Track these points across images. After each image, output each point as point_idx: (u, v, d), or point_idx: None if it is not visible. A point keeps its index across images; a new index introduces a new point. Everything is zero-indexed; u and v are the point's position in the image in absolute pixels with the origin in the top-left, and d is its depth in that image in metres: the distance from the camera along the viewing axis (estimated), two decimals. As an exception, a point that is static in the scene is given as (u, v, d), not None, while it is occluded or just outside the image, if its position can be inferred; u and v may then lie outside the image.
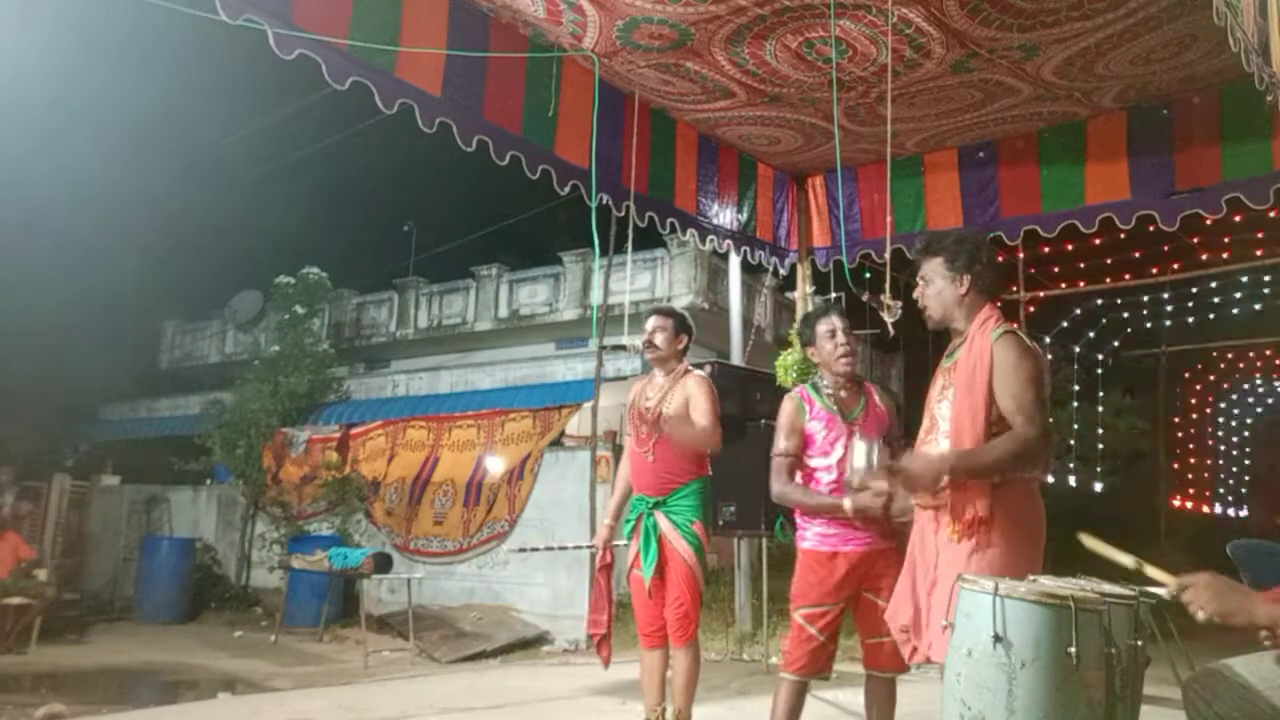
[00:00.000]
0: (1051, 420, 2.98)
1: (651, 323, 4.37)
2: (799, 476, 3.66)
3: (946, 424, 3.01)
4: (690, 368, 4.43)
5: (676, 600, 4.11)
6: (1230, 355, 18.15)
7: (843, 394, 3.69)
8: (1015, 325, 3.01)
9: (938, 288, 3.07)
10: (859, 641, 3.68)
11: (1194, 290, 14.04)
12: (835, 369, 3.69)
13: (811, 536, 3.61)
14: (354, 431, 12.53)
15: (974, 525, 2.84)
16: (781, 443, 3.68)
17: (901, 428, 3.81)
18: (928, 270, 3.10)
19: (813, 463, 3.65)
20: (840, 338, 3.68)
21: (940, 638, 2.64)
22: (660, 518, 4.17)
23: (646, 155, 5.77)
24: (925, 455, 2.82)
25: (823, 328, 3.72)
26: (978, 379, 2.89)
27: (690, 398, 4.22)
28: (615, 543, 4.57)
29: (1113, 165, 5.90)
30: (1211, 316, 15.56)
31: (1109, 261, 13.03)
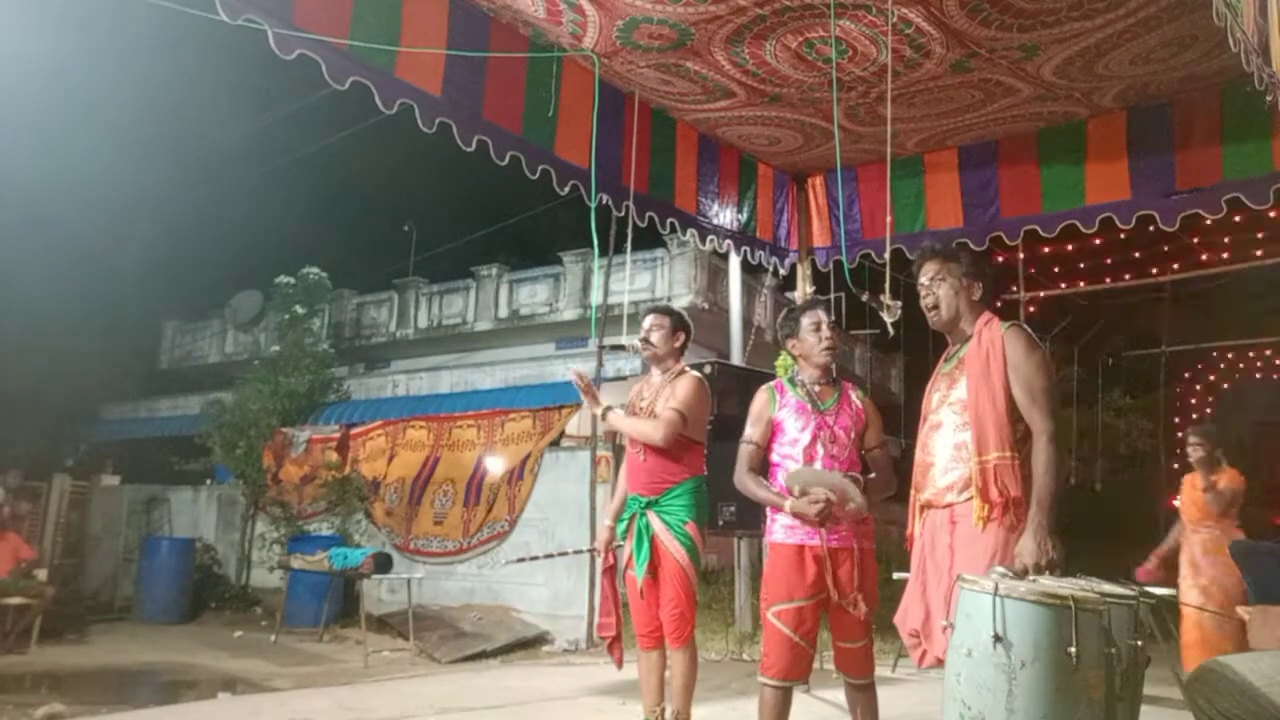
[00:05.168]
0: None
1: (648, 321, 4.36)
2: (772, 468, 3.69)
3: (956, 417, 3.05)
4: (686, 368, 4.42)
5: (671, 601, 4.08)
6: (1230, 355, 18.12)
7: (817, 388, 3.71)
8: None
9: (954, 287, 3.19)
10: (832, 644, 3.63)
11: (1194, 290, 14.04)
12: (816, 360, 3.71)
13: (778, 530, 3.58)
14: (354, 431, 12.52)
15: (1008, 507, 2.87)
16: (747, 431, 3.73)
17: (882, 431, 3.81)
18: (942, 271, 3.21)
19: (781, 452, 3.64)
20: (825, 330, 3.71)
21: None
22: (652, 518, 4.14)
23: (646, 155, 5.77)
24: (1026, 544, 2.80)
25: (808, 320, 3.74)
26: (993, 366, 2.98)
27: (673, 393, 4.20)
28: (615, 544, 4.56)
29: (1113, 165, 5.89)
30: (1211, 316, 15.56)
31: (1109, 261, 13.03)
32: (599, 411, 4.28)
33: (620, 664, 4.55)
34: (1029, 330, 3.07)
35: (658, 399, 4.24)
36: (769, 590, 3.56)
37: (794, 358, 3.82)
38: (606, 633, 4.52)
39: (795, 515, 3.48)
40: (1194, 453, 6.04)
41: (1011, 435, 2.93)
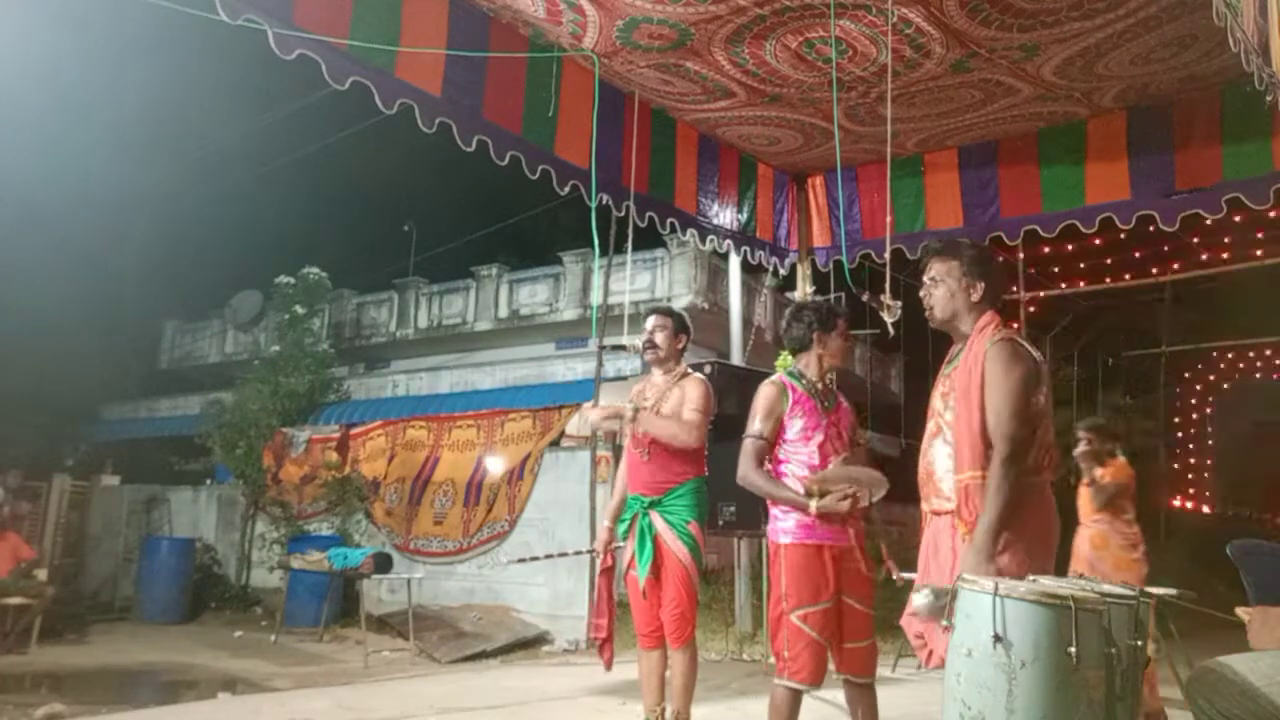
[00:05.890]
0: (1045, 421, 2.96)
1: (651, 322, 4.37)
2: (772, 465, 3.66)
3: (947, 427, 3.03)
4: (689, 369, 4.43)
5: (673, 601, 4.09)
6: (1230, 355, 18.14)
7: (820, 386, 3.71)
8: (1014, 332, 3.01)
9: (950, 289, 3.09)
10: (831, 645, 3.56)
11: (1194, 290, 14.04)
12: (836, 362, 3.74)
13: (796, 530, 3.51)
14: (354, 431, 12.52)
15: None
16: (757, 425, 3.62)
17: (859, 429, 3.85)
18: (941, 271, 3.11)
19: (791, 450, 3.60)
20: (848, 338, 3.77)
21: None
22: (655, 518, 4.15)
23: (646, 155, 5.78)
24: (969, 559, 2.74)
25: (843, 324, 3.77)
26: (973, 384, 2.90)
27: (685, 396, 4.21)
28: (614, 545, 4.57)
29: (1113, 165, 5.90)
30: (1211, 316, 15.56)
31: (1109, 261, 13.04)
32: (629, 414, 4.21)
33: (610, 665, 4.54)
34: (1015, 345, 2.92)
35: (664, 399, 4.25)
36: (795, 593, 3.47)
37: (796, 352, 3.78)
38: (599, 634, 4.51)
39: (821, 515, 3.44)
40: (1079, 447, 5.91)
41: (984, 454, 2.84)
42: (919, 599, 2.61)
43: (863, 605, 3.54)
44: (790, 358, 3.87)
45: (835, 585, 3.48)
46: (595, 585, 4.67)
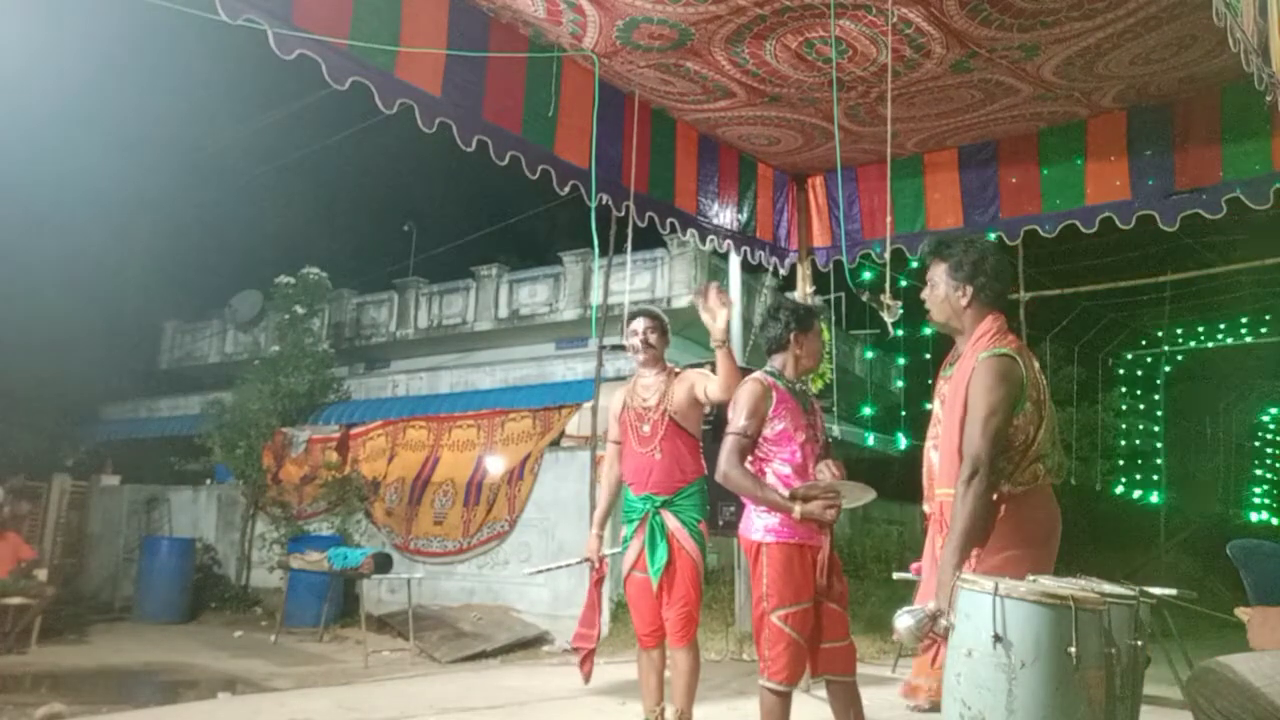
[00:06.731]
0: (1036, 432, 2.88)
1: (644, 324, 4.38)
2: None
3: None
4: (677, 368, 4.46)
5: (681, 600, 4.10)
6: (1230, 355, 18.14)
7: (798, 387, 3.72)
8: (1009, 343, 2.87)
9: (942, 294, 3.00)
10: (810, 646, 3.53)
11: (1194, 290, 14.03)
12: (812, 364, 3.77)
13: (779, 528, 3.48)
14: (354, 431, 12.53)
15: None
16: (741, 421, 3.56)
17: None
18: (933, 274, 3.04)
19: (774, 449, 3.58)
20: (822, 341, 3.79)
21: None
22: (668, 517, 4.16)
23: (646, 155, 5.77)
24: (941, 576, 2.69)
25: (818, 326, 3.77)
26: (959, 400, 2.85)
27: (693, 382, 4.24)
28: (604, 552, 4.56)
29: (1113, 165, 5.90)
30: (1211, 316, 15.56)
31: (1109, 261, 13.03)
32: (721, 339, 3.88)
33: (588, 678, 4.53)
34: (1004, 361, 2.78)
35: (669, 396, 4.27)
36: (777, 593, 3.45)
37: (772, 351, 3.76)
38: (584, 644, 4.49)
39: (805, 517, 3.44)
40: None
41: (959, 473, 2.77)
42: (900, 623, 2.60)
43: (839, 605, 3.55)
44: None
45: (814, 585, 3.49)
46: (587, 596, 4.63)
